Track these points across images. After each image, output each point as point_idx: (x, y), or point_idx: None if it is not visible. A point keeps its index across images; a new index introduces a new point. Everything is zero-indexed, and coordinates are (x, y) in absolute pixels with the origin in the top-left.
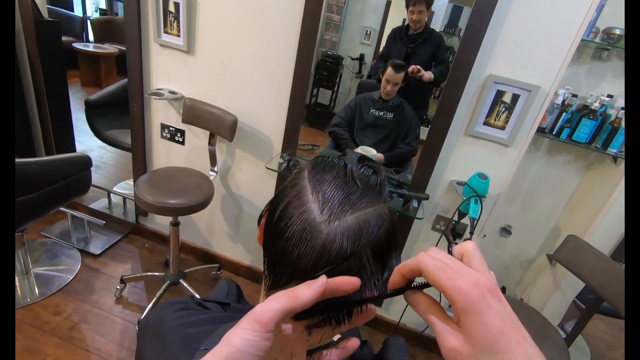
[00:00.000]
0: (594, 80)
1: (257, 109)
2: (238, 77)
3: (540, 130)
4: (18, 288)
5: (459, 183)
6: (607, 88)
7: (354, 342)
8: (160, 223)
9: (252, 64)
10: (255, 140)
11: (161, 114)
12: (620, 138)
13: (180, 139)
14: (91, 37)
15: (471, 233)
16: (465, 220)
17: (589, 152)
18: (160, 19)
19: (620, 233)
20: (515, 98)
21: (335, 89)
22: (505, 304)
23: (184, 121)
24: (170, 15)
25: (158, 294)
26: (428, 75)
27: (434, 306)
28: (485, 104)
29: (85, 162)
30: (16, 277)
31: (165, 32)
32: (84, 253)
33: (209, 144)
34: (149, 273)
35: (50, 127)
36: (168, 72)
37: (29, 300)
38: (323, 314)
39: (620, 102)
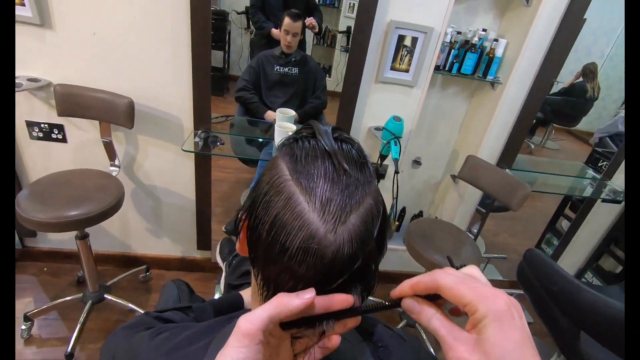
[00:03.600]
0: (470, 17)
1: (155, 85)
2: (122, 50)
3: (436, 68)
4: None
5: (377, 128)
6: (481, 23)
7: (335, 340)
8: (57, 239)
9: (135, 32)
10: (160, 122)
11: (23, 109)
12: (494, 66)
13: (60, 136)
14: None
15: (397, 172)
16: (387, 162)
17: (473, 81)
18: None
19: (501, 144)
20: (414, 41)
21: (226, 48)
22: (525, 322)
23: (60, 114)
24: None
25: (82, 318)
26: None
27: (439, 313)
28: (389, 50)
29: None
30: None
31: None
32: None
33: (102, 135)
34: (60, 300)
35: None
36: (19, 54)
37: None
38: (310, 324)
39: (492, 34)
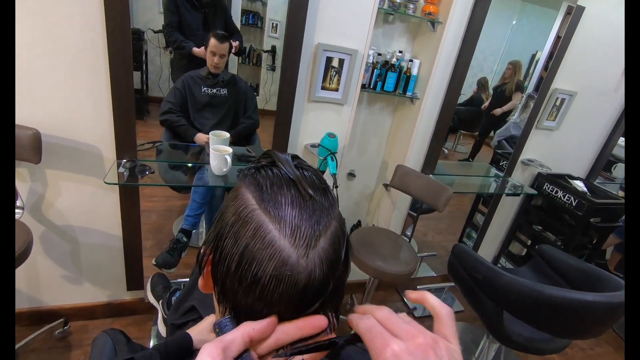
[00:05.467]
0: (387, 40)
1: (67, 113)
2: (21, 74)
3: (362, 87)
4: None
5: (313, 145)
6: (396, 45)
7: None
8: None
9: (38, 53)
10: (74, 154)
11: None
12: (412, 83)
13: None
14: None
15: (335, 186)
16: (325, 177)
17: (395, 97)
18: None
19: (423, 152)
20: (341, 62)
21: (144, 69)
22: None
23: None
24: None
25: None
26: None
27: None
28: (319, 71)
29: None
30: None
31: None
32: None
33: None
34: None
35: None
36: None
37: None
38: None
39: (407, 55)
